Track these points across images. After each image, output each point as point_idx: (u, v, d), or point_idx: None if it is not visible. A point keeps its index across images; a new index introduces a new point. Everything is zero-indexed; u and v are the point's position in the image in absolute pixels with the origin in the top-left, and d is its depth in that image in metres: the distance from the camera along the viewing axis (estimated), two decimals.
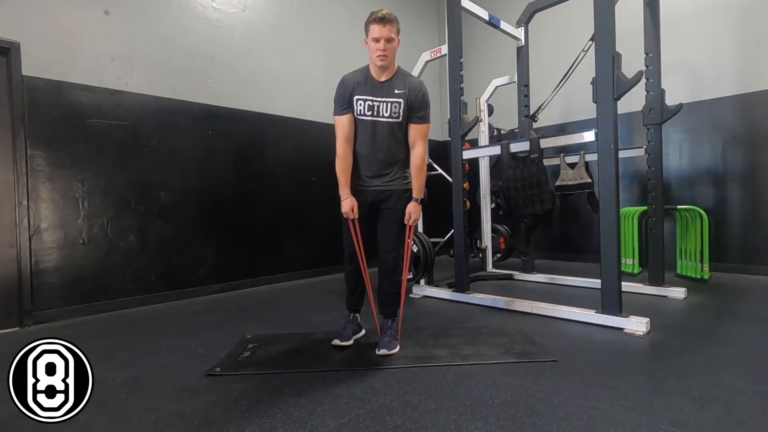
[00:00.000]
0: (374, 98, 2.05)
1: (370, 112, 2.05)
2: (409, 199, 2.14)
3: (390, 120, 2.06)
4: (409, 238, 2.20)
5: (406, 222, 2.13)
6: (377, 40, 1.98)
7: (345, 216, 2.11)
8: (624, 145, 3.65)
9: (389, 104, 2.05)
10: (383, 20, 1.98)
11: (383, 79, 2.06)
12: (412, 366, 1.91)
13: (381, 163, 2.11)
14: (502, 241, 4.20)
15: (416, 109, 2.09)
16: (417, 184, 2.12)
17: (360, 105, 2.05)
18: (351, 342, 2.16)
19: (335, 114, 2.11)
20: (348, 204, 2.08)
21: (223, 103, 3.76)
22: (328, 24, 4.62)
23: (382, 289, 2.19)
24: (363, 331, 2.28)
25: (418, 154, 2.11)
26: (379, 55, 1.99)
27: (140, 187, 3.28)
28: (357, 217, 2.09)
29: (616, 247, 2.35)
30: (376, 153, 2.10)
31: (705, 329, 2.36)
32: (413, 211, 2.11)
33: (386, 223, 2.14)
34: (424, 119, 2.11)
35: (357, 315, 2.28)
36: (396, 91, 2.06)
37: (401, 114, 2.07)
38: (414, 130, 2.11)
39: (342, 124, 2.09)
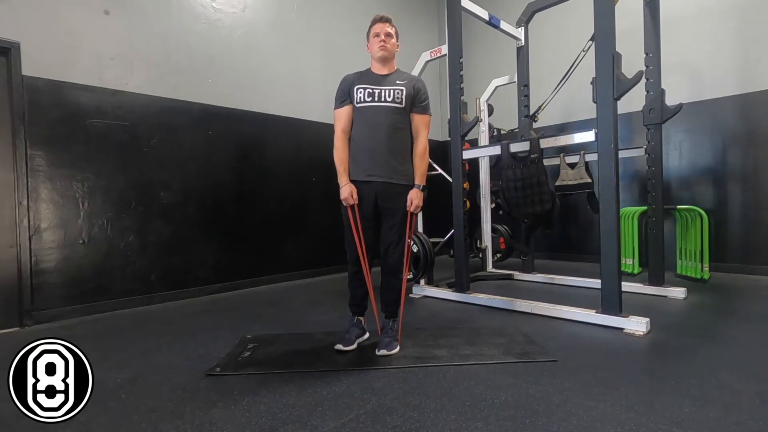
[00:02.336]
0: (375, 86, 2.11)
1: (370, 98, 2.09)
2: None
3: (392, 105, 2.08)
4: (408, 237, 2.19)
5: (408, 208, 2.11)
6: (377, 35, 2.13)
7: (344, 202, 2.10)
8: (624, 145, 3.65)
9: (391, 90, 2.10)
10: (382, 19, 2.16)
11: (384, 72, 2.16)
12: (412, 366, 1.91)
13: (384, 151, 2.07)
14: (502, 241, 4.20)
15: (417, 100, 2.15)
16: (419, 171, 2.14)
17: (360, 93, 2.09)
18: (354, 346, 2.14)
19: (335, 108, 2.16)
20: (347, 190, 2.08)
21: (223, 103, 3.76)
22: (328, 24, 4.62)
23: (385, 289, 2.19)
24: (367, 335, 2.25)
25: (420, 141, 2.16)
26: (380, 45, 2.11)
27: (140, 187, 3.28)
28: (356, 202, 2.09)
29: (616, 247, 2.35)
30: (378, 141, 2.07)
31: (705, 329, 2.36)
32: (415, 197, 2.10)
33: (389, 223, 2.14)
34: (425, 109, 2.18)
35: (361, 318, 2.26)
36: (397, 81, 2.13)
37: (403, 100, 2.10)
38: (417, 120, 2.16)
39: (340, 116, 2.14)
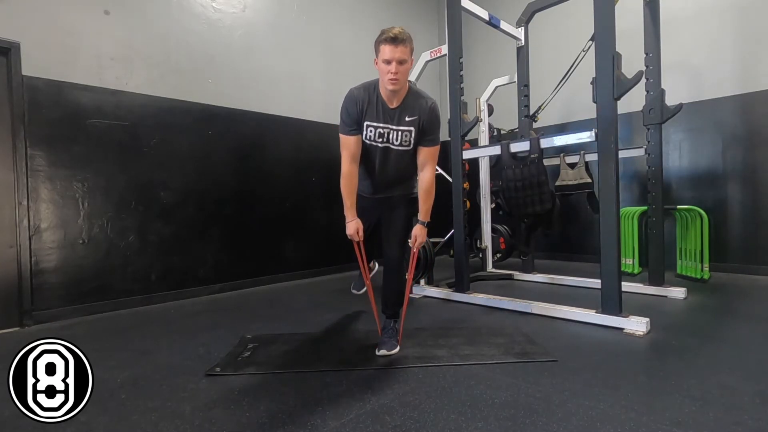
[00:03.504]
0: (385, 125, 1.97)
1: (380, 140, 1.99)
2: (414, 201, 2.14)
3: (400, 148, 2.02)
4: (414, 253, 2.17)
5: (411, 245, 2.12)
6: (388, 62, 1.81)
7: (350, 238, 2.07)
8: (624, 145, 3.65)
9: (400, 132, 1.98)
10: (395, 40, 1.79)
11: (394, 105, 1.95)
12: (412, 366, 1.90)
13: (389, 183, 2.12)
14: (502, 241, 4.20)
15: (427, 132, 2.01)
16: (424, 208, 2.07)
17: (371, 132, 1.97)
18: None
19: (343, 133, 1.99)
20: (353, 226, 2.03)
21: (223, 103, 3.76)
22: (328, 24, 4.61)
23: (386, 289, 2.19)
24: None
25: (426, 177, 2.04)
26: (391, 79, 1.83)
27: (140, 187, 3.28)
28: (362, 239, 2.07)
29: (616, 247, 2.35)
30: (384, 176, 2.09)
31: (705, 329, 2.36)
32: (419, 234, 2.09)
33: (391, 223, 2.15)
34: (434, 141, 2.04)
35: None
36: (407, 119, 1.97)
37: (411, 141, 2.01)
38: (424, 153, 2.03)
39: (349, 144, 1.99)
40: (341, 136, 2.00)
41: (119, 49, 3.20)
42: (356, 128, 1.98)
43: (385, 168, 2.07)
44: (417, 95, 1.99)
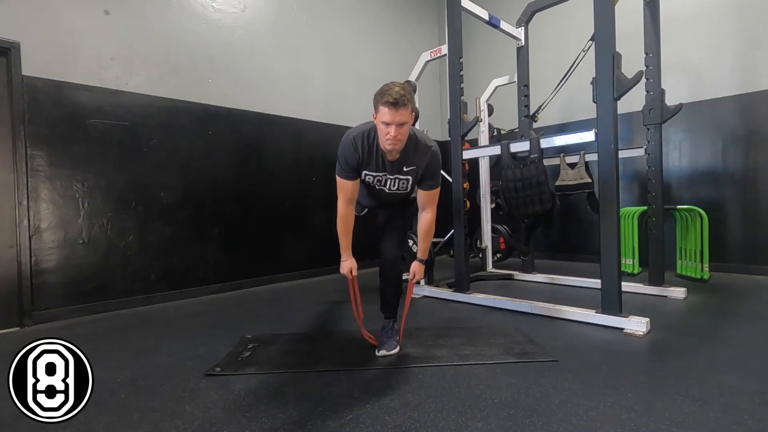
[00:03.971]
0: (383, 174, 1.97)
1: (378, 183, 2.02)
2: (413, 201, 2.16)
3: (397, 192, 2.05)
4: (409, 292, 2.20)
5: (409, 281, 2.15)
6: (387, 125, 1.75)
7: (344, 274, 2.09)
8: (624, 145, 3.65)
9: (397, 180, 1.99)
10: (396, 105, 1.71)
11: (394, 156, 1.92)
12: (412, 366, 1.91)
13: (387, 205, 2.21)
14: (502, 241, 4.20)
15: (427, 178, 1.99)
16: (422, 246, 2.11)
17: (369, 178, 1.99)
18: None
19: (340, 176, 1.97)
20: (347, 266, 2.05)
21: (223, 103, 3.76)
22: (328, 24, 4.61)
23: (383, 288, 2.19)
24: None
25: (426, 218, 2.05)
26: (389, 141, 1.79)
27: (140, 187, 3.28)
28: (355, 276, 2.09)
29: (616, 247, 2.35)
30: (382, 202, 2.18)
31: (705, 329, 2.36)
32: (417, 271, 2.12)
33: (388, 221, 2.16)
34: (434, 186, 2.02)
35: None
36: (405, 169, 1.95)
37: (409, 187, 2.04)
38: (423, 196, 2.03)
39: (347, 188, 1.97)
40: (338, 178, 1.98)
41: (119, 49, 3.20)
42: (355, 175, 1.96)
43: (382, 202, 2.19)
44: (417, 145, 1.93)
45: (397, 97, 1.70)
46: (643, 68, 2.96)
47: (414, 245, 3.39)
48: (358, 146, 1.89)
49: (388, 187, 2.02)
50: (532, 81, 3.85)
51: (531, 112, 3.82)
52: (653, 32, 3.10)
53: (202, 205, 3.62)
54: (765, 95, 3.66)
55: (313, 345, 2.24)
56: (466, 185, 3.17)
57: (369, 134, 1.90)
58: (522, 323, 2.52)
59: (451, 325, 2.55)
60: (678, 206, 3.69)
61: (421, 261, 2.13)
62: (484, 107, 4.29)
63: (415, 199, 2.15)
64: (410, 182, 2.01)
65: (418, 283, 3.40)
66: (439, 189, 2.05)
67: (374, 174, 1.96)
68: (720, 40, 3.87)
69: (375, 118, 1.83)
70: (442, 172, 3.81)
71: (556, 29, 4.75)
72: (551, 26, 4.70)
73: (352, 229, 2.04)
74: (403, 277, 2.30)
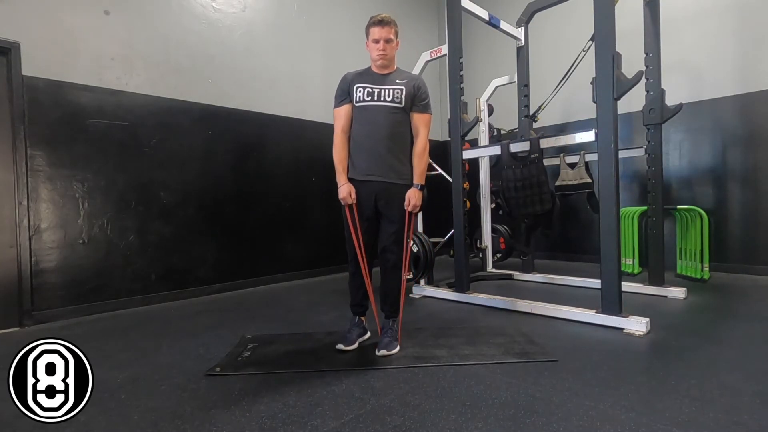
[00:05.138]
0: (375, 85, 2.11)
1: (369, 98, 2.09)
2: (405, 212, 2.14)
3: (392, 104, 2.09)
4: (408, 238, 2.19)
5: (405, 207, 2.11)
6: (377, 41, 2.08)
7: (342, 201, 2.11)
8: (624, 145, 3.65)
9: (391, 90, 2.10)
10: (382, 22, 2.08)
11: (384, 72, 2.15)
12: (412, 366, 1.91)
13: (383, 151, 2.08)
14: (502, 241, 4.20)
15: (417, 99, 2.14)
16: (418, 170, 2.14)
17: (360, 92, 2.10)
18: (355, 346, 2.14)
19: (335, 107, 2.16)
20: (345, 189, 2.10)
21: (223, 103, 3.76)
22: (328, 24, 4.62)
23: (384, 288, 2.19)
24: (368, 334, 2.26)
25: (420, 140, 2.15)
26: (379, 54, 2.09)
27: (140, 187, 3.28)
28: (354, 202, 2.10)
29: (616, 247, 2.35)
30: (377, 141, 2.08)
31: (705, 329, 2.36)
32: (413, 197, 2.10)
33: (387, 229, 2.14)
34: (425, 108, 2.17)
35: (362, 318, 2.26)
36: (397, 81, 2.13)
37: (403, 99, 2.10)
38: (417, 119, 2.15)
39: (340, 115, 2.15)
40: (334, 111, 2.17)
41: (119, 49, 3.20)
42: (346, 98, 2.14)
43: (377, 130, 2.08)
44: (405, 71, 2.24)
45: (383, 17, 2.08)
46: (643, 68, 2.96)
47: (415, 246, 3.39)
48: (351, 73, 2.18)
49: (383, 98, 2.09)
50: (532, 81, 3.85)
51: (531, 112, 3.82)
52: (653, 32, 3.10)
53: (202, 205, 3.62)
54: (765, 95, 3.66)
55: (313, 345, 2.24)
56: (466, 185, 3.17)
57: (362, 68, 2.20)
58: (522, 323, 2.52)
59: (451, 325, 2.55)
60: (678, 206, 3.69)
61: (417, 186, 2.12)
62: (484, 107, 4.29)
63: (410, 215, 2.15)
64: (403, 93, 2.10)
65: (417, 282, 3.42)
66: (431, 116, 2.21)
67: (365, 86, 2.11)
68: (720, 40, 3.87)
69: (367, 46, 2.14)
70: (442, 172, 3.83)
71: (556, 29, 4.75)
72: (551, 26, 4.70)
73: (347, 157, 2.14)
74: (405, 277, 2.29)
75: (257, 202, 3.98)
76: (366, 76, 2.15)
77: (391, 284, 2.18)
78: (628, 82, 2.31)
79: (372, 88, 2.10)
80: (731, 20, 3.82)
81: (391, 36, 2.09)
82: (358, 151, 2.12)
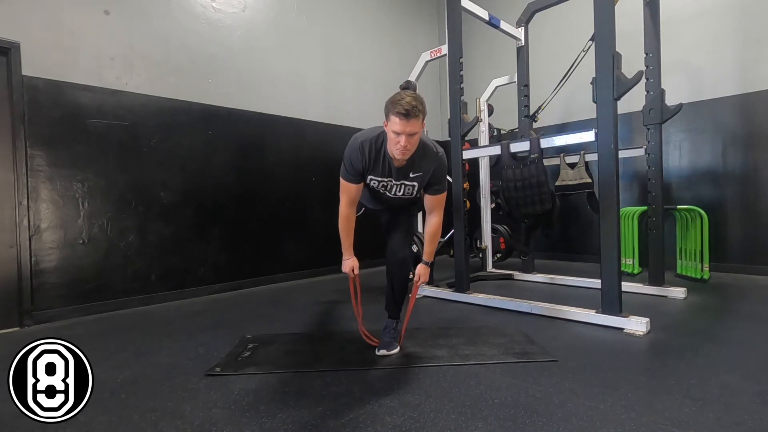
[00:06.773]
0: (389, 179, 1.97)
1: (382, 188, 2.01)
2: (420, 201, 2.15)
3: (403, 197, 2.05)
4: (413, 293, 2.22)
5: (414, 283, 2.15)
6: (398, 134, 1.74)
7: (345, 273, 2.11)
8: (624, 145, 3.65)
9: (404, 186, 1.99)
10: (407, 115, 1.69)
11: (402, 163, 1.92)
12: (412, 366, 1.91)
13: (390, 210, 2.19)
14: (502, 241, 4.20)
15: (434, 183, 1.99)
16: (428, 249, 2.11)
17: (374, 183, 1.99)
18: (398, 349, 2.09)
19: (344, 178, 1.95)
20: (349, 264, 2.07)
21: (223, 103, 3.76)
22: (328, 24, 4.61)
23: (389, 286, 2.19)
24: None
25: (433, 221, 2.05)
26: (399, 150, 1.79)
27: (140, 187, 3.28)
28: (357, 275, 2.09)
29: (616, 247, 2.35)
30: (387, 205, 2.16)
31: (705, 329, 2.36)
32: (423, 274, 2.11)
33: (395, 220, 2.16)
34: (441, 190, 2.02)
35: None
36: (412, 175, 1.94)
37: (415, 192, 2.03)
38: (430, 200, 2.03)
39: (350, 190, 1.97)
40: (342, 180, 1.97)
41: (119, 49, 3.20)
42: (359, 179, 1.96)
43: (386, 206, 2.17)
44: (424, 151, 1.93)
45: (408, 108, 1.69)
46: (643, 68, 2.96)
47: (414, 246, 3.39)
48: (365, 151, 1.88)
49: (393, 192, 2.01)
50: (532, 81, 3.85)
51: (531, 112, 3.81)
52: (653, 32, 3.10)
53: (202, 205, 3.62)
54: (765, 95, 3.66)
55: (313, 345, 2.24)
56: (466, 185, 3.17)
57: (377, 140, 1.89)
58: (522, 323, 2.52)
59: (451, 325, 2.55)
60: (678, 206, 3.69)
61: (426, 263, 2.13)
62: (484, 107, 4.29)
63: (419, 198, 2.14)
64: (416, 188, 2.00)
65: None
66: (445, 193, 2.05)
67: (380, 179, 1.96)
68: (720, 40, 3.87)
69: (386, 126, 1.81)
70: None
71: (556, 29, 4.75)
72: (551, 26, 4.70)
73: (353, 230, 2.06)
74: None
75: (257, 202, 3.98)
76: (382, 166, 1.92)
77: (396, 281, 2.17)
78: (628, 82, 2.31)
79: (386, 182, 1.97)
80: (731, 20, 3.82)
81: (417, 129, 1.74)
82: (368, 202, 2.20)
